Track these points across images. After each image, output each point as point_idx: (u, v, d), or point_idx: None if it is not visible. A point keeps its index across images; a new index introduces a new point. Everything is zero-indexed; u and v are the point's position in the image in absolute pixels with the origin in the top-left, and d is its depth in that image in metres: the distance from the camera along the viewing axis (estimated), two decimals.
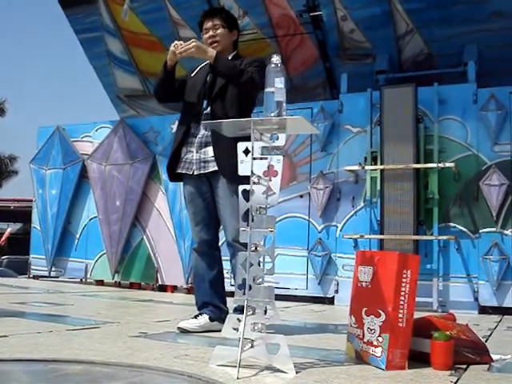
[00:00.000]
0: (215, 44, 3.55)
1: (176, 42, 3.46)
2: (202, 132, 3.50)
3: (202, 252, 3.58)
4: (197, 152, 3.50)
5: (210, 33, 3.58)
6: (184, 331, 3.38)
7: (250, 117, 3.40)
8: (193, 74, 3.65)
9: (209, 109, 3.50)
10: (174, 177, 3.65)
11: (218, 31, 3.57)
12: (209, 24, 3.59)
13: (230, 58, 3.59)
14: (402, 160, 6.04)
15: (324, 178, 6.59)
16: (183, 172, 3.57)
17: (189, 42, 3.37)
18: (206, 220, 3.56)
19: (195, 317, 3.47)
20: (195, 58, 3.46)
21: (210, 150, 3.46)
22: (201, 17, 3.69)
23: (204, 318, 3.44)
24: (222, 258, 3.66)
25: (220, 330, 3.06)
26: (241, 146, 2.51)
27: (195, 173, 3.51)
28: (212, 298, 3.54)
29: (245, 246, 3.14)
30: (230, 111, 3.41)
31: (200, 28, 3.67)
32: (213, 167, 3.44)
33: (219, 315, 3.43)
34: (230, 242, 3.43)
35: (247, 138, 2.51)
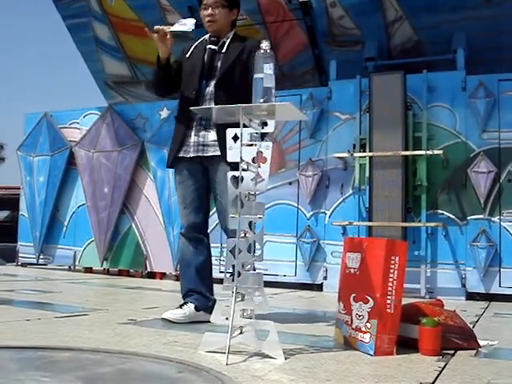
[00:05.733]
0: (211, 23, 3.44)
1: (157, 26, 3.32)
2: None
3: (190, 236, 3.46)
4: (195, 135, 3.41)
5: (209, 11, 3.43)
6: (169, 322, 3.25)
7: None
8: (188, 56, 3.52)
9: (208, 89, 3.41)
10: (173, 163, 3.52)
11: (217, 10, 3.43)
12: (209, 0, 3.43)
13: (228, 38, 3.49)
14: (391, 147, 6.05)
15: (313, 165, 6.59)
16: (180, 156, 3.45)
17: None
18: (195, 203, 3.45)
19: (180, 306, 3.33)
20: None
21: (210, 134, 3.37)
22: None
23: (189, 308, 3.30)
24: (212, 245, 3.63)
25: (206, 321, 3.02)
26: (230, 133, 2.50)
27: (191, 155, 3.40)
28: (198, 286, 3.40)
29: None
30: (235, 95, 3.27)
31: (199, 2, 3.49)
32: (213, 151, 3.34)
33: (205, 304, 3.32)
34: (227, 228, 3.31)
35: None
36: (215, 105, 3.30)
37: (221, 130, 3.19)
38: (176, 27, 3.29)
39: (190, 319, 3.27)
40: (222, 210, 3.39)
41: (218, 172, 3.36)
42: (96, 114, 8.21)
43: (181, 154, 3.45)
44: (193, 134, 3.42)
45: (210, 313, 3.04)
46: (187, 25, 3.25)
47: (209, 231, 3.65)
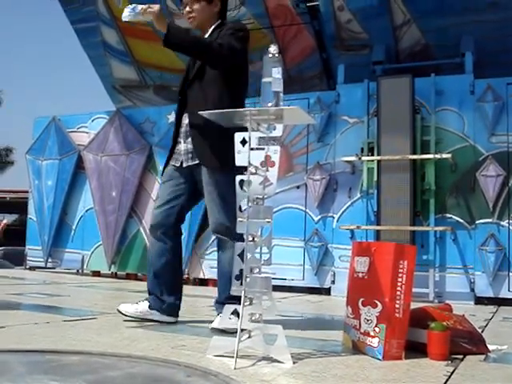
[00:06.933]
0: (191, 20, 3.34)
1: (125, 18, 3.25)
2: (187, 120, 3.34)
3: (155, 237, 3.40)
4: (184, 142, 3.36)
5: (187, 8, 3.33)
6: (121, 314, 3.34)
7: (241, 100, 3.30)
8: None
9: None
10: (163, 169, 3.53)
11: (195, 6, 3.31)
12: None
13: (211, 28, 3.36)
14: (399, 151, 6.03)
15: (321, 168, 6.59)
16: (172, 164, 3.42)
17: (154, 6, 3.13)
18: (169, 204, 3.37)
19: (137, 302, 3.40)
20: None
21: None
22: None
23: (143, 305, 3.35)
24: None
25: (158, 321, 3.24)
26: (238, 137, 2.50)
27: (184, 165, 3.35)
28: (153, 288, 3.40)
29: (228, 236, 3.15)
30: (209, 94, 3.24)
31: (181, 1, 3.41)
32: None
33: (160, 305, 3.34)
34: (213, 234, 3.35)
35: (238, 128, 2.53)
36: (187, 109, 3.34)
37: (195, 135, 3.25)
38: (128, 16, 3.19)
39: (141, 315, 3.34)
40: (208, 214, 3.34)
41: (202, 180, 3.29)
42: (104, 118, 8.24)
43: (172, 163, 3.43)
44: (182, 140, 3.38)
45: (164, 313, 3.28)
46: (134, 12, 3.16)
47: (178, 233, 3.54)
